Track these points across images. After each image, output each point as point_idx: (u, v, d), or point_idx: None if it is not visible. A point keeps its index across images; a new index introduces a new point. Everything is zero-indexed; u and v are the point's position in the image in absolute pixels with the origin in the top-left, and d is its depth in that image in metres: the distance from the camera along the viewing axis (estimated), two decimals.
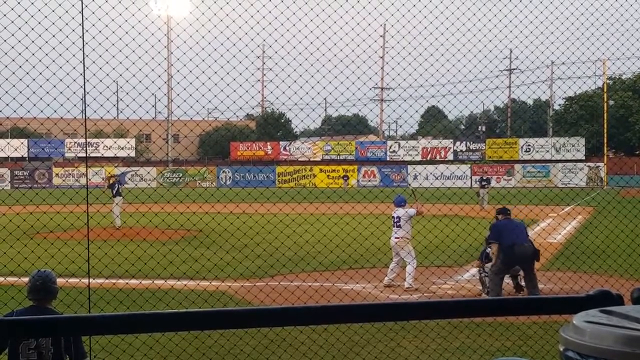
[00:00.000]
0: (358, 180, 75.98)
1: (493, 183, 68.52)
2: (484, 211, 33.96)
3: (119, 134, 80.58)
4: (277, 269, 18.51)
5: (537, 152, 76.32)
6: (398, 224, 17.54)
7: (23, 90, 9.65)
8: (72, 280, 12.87)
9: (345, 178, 70.50)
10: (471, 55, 12.70)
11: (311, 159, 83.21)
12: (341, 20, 11.28)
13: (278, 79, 12.81)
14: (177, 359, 10.81)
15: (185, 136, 71.20)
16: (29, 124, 64.24)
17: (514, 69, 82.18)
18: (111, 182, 34.03)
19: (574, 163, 72.53)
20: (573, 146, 75.03)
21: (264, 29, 11.13)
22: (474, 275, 18.43)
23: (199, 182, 76.11)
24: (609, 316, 2.37)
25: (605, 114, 60.17)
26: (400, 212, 17.66)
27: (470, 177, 73.55)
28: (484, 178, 45.32)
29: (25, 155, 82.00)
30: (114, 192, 32.07)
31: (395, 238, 17.51)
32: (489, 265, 16.15)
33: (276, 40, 11.55)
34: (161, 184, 72.62)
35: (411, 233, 17.58)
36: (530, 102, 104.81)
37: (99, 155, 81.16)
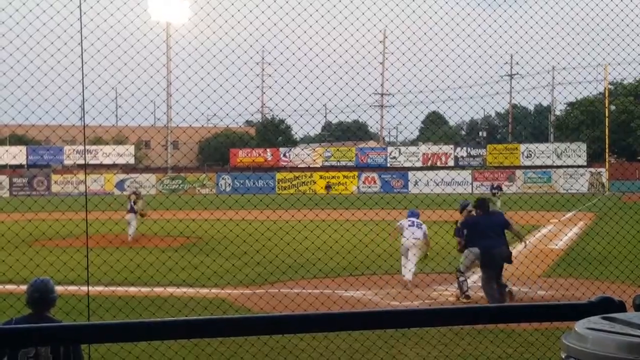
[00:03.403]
0: (358, 187, 75.94)
1: None
2: (517, 217, 33.89)
3: (118, 141, 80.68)
4: (277, 276, 18.47)
5: (538, 157, 76.28)
6: (420, 225, 18.38)
7: (21, 98, 9.63)
8: (71, 288, 12.83)
9: (328, 187, 70.73)
10: (472, 61, 12.66)
11: (311, 166, 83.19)
12: (341, 26, 11.27)
13: (277, 85, 12.78)
14: None
15: (185, 143, 71.22)
16: (27, 132, 64.40)
17: (515, 74, 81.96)
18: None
19: (576, 169, 72.46)
20: (574, 152, 74.99)
21: (263, 35, 11.12)
22: (475, 282, 18.39)
23: (199, 189, 76.08)
24: (611, 323, 2.34)
25: (606, 119, 60.18)
26: (417, 221, 18.50)
27: (471, 183, 73.51)
28: (495, 185, 45.06)
29: (24, 162, 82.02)
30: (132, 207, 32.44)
31: (414, 239, 18.13)
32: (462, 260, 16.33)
33: (275, 47, 11.56)
34: (160, 191, 72.60)
35: None
36: (531, 107, 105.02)
37: (98, 162, 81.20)
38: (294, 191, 71.86)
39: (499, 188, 44.92)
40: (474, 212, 16.68)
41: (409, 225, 18.44)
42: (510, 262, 15.60)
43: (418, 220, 18.54)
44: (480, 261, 15.51)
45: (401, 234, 18.49)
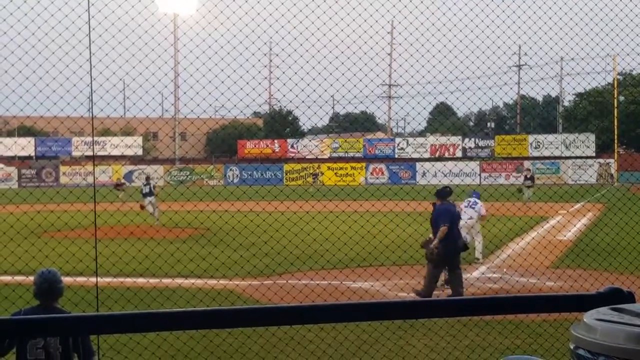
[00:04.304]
0: (366, 178, 75.95)
1: (502, 180, 68.51)
2: (525, 208, 34.12)
3: (126, 132, 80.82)
4: (285, 267, 18.49)
5: (547, 148, 76.09)
6: (474, 205, 20.07)
7: (30, 89, 9.64)
8: (80, 279, 12.89)
9: (314, 176, 70.76)
10: (480, 52, 12.61)
11: (319, 157, 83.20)
12: (348, 17, 11.24)
13: (285, 77, 12.81)
14: (185, 357, 10.80)
15: (193, 134, 71.29)
16: (36, 123, 64.60)
17: (523, 65, 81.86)
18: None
19: (584, 159, 72.29)
20: (583, 142, 74.75)
21: (270, 26, 11.11)
22: (483, 273, 18.40)
23: (207, 180, 76.19)
24: (620, 314, 2.34)
25: (615, 110, 59.97)
26: (473, 200, 20.28)
27: (479, 174, 73.41)
28: (528, 176, 44.69)
29: (33, 154, 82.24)
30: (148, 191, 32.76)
31: (469, 219, 19.59)
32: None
33: (283, 38, 11.53)
34: (168, 183, 72.75)
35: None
36: (539, 98, 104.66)
37: (106, 153, 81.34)
38: (301, 182, 71.91)
39: (532, 179, 44.55)
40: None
41: (465, 207, 19.96)
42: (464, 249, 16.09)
43: (474, 200, 20.26)
44: (444, 249, 15.53)
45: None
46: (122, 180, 39.88)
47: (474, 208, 20.07)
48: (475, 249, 20.20)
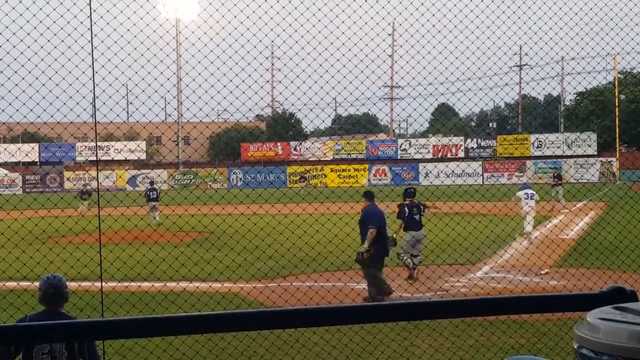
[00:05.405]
0: (369, 180, 75.92)
1: (504, 180, 68.41)
2: (557, 208, 34.76)
3: (130, 137, 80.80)
4: (289, 270, 18.48)
5: (549, 148, 76.04)
6: (532, 197, 24.62)
7: (33, 96, 9.66)
8: (85, 284, 12.92)
9: (302, 180, 70.64)
10: (480, 52, 12.63)
11: (322, 159, 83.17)
12: (349, 19, 11.26)
13: (287, 80, 12.80)
14: None
15: (196, 138, 71.26)
16: (39, 129, 64.46)
17: (524, 65, 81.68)
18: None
19: (586, 158, 72.24)
20: (584, 141, 74.73)
21: (272, 29, 11.12)
22: (486, 273, 18.39)
23: (210, 183, 76.18)
24: (623, 313, 2.35)
25: (616, 109, 59.89)
26: (530, 192, 24.88)
27: (482, 175, 73.35)
28: (555, 175, 44.71)
29: (37, 159, 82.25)
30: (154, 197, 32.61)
31: (529, 207, 24.24)
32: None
33: (285, 41, 11.54)
34: (172, 187, 72.77)
35: None
36: (540, 97, 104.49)
37: (109, 158, 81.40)
38: (304, 184, 71.89)
39: (559, 177, 44.54)
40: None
41: (525, 197, 24.62)
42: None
43: (531, 192, 24.91)
44: (379, 250, 15.79)
45: (519, 203, 24.62)
46: (89, 188, 39.82)
47: (533, 198, 24.59)
48: (529, 224, 24.40)
